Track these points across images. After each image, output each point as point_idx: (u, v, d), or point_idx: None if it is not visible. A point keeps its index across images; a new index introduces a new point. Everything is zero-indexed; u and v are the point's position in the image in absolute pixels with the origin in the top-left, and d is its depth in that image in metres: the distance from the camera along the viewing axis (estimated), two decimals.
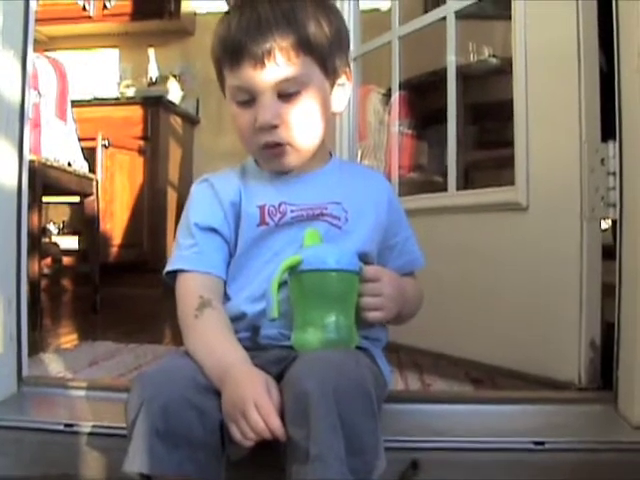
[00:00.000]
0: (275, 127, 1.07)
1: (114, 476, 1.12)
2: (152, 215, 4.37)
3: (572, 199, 1.53)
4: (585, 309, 1.52)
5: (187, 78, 4.86)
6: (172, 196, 4.54)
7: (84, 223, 3.48)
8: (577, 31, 1.53)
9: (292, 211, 1.11)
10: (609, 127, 1.41)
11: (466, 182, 2.14)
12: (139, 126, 4.36)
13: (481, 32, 2.95)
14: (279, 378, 0.95)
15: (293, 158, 1.11)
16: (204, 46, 4.84)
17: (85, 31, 4.89)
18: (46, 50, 3.89)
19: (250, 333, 1.09)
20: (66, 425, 1.24)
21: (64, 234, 4.40)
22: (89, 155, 3.37)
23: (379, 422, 0.89)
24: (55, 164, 2.84)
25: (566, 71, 1.56)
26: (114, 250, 4.16)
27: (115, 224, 4.17)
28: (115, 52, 5.05)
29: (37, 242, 2.72)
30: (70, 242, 4.19)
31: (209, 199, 1.14)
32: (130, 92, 4.73)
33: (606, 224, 1.62)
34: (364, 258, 1.10)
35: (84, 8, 4.71)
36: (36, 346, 2.01)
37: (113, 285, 3.65)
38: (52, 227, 4.38)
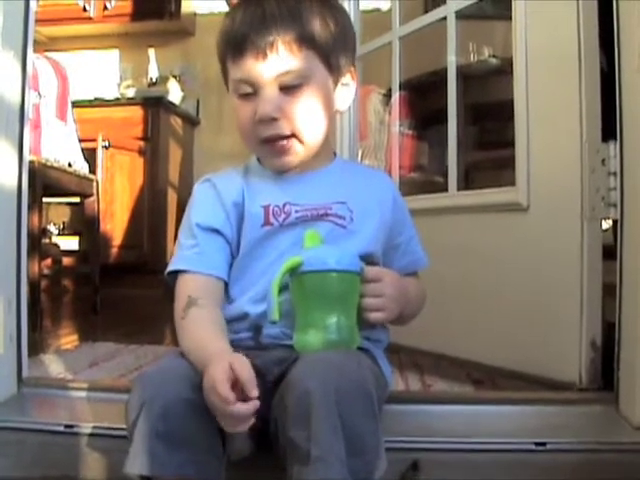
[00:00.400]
0: (275, 120, 1.07)
1: (114, 477, 1.12)
2: (152, 216, 4.37)
3: (573, 199, 1.53)
4: (586, 309, 1.51)
5: (187, 79, 4.86)
6: (172, 197, 4.53)
7: (84, 224, 3.48)
8: (578, 31, 1.53)
9: (297, 211, 1.10)
10: (610, 127, 1.41)
11: (467, 182, 2.14)
12: (139, 127, 4.37)
13: (481, 32, 2.95)
14: (280, 379, 0.95)
15: (295, 156, 1.11)
16: (204, 46, 4.83)
17: (85, 32, 4.89)
18: (46, 51, 3.88)
19: (252, 333, 1.09)
20: (66, 426, 1.24)
21: (64, 235, 4.41)
22: (89, 156, 3.37)
23: (380, 423, 0.89)
24: (55, 165, 2.84)
25: (567, 71, 1.56)
26: (114, 251, 4.17)
27: (115, 225, 4.18)
28: (115, 53, 5.05)
29: (37, 243, 2.71)
30: (70, 243, 4.20)
31: (211, 199, 1.14)
32: (130, 93, 4.73)
33: (607, 224, 1.62)
34: (369, 258, 1.10)
35: (84, 9, 4.72)
36: (36, 347, 2.01)
37: (113, 286, 3.65)
38: (52, 228, 4.38)
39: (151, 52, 4.85)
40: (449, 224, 2.01)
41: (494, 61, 2.65)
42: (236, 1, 1.14)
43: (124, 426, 0.92)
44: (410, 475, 1.08)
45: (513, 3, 1.76)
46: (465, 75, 2.19)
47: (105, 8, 4.71)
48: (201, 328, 1.03)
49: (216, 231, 1.11)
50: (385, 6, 3.22)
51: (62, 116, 3.05)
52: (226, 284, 1.12)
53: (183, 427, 0.88)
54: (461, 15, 2.04)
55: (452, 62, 2.06)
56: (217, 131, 4.75)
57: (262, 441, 0.98)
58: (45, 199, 3.01)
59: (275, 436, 0.92)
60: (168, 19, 4.68)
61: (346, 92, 1.18)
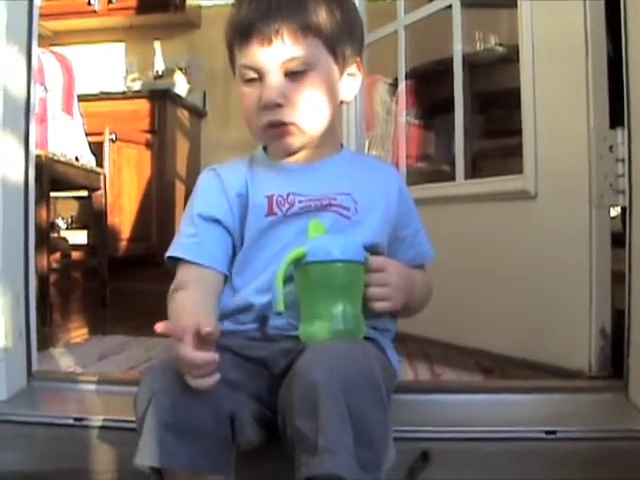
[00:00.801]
0: (279, 106, 1.07)
1: (124, 470, 1.13)
2: (160, 208, 4.37)
3: (581, 186, 1.52)
4: (595, 297, 1.51)
5: (193, 71, 4.86)
6: (180, 189, 4.54)
7: (92, 217, 3.48)
8: (584, 18, 1.52)
9: (300, 201, 1.10)
10: (617, 114, 1.40)
11: (474, 171, 2.13)
12: (146, 120, 4.37)
13: (487, 20, 2.92)
14: (287, 370, 0.95)
15: (297, 139, 1.11)
16: (210, 39, 4.82)
17: (91, 25, 4.90)
18: (52, 45, 3.89)
19: (258, 324, 1.09)
20: (76, 419, 1.25)
21: (72, 229, 4.43)
22: (96, 149, 3.37)
23: (388, 412, 0.88)
24: (62, 159, 2.84)
25: (573, 58, 1.55)
26: (123, 244, 4.18)
27: (123, 218, 4.19)
28: (121, 46, 5.05)
29: (46, 237, 2.72)
30: (79, 237, 4.20)
31: (214, 189, 1.14)
32: (136, 86, 4.73)
33: (615, 211, 1.61)
34: (374, 249, 1.10)
35: (89, 2, 4.72)
36: (46, 341, 2.02)
37: (122, 279, 3.65)
38: (60, 222, 4.40)
39: (157, 45, 4.85)
40: (457, 213, 2.01)
41: (500, 49, 2.63)
42: None
43: (134, 419, 0.93)
44: (419, 466, 1.08)
45: None
46: (471, 63, 2.18)
47: (110, 1, 4.71)
48: (181, 306, 1.04)
49: (217, 221, 1.12)
50: None
51: (68, 110, 3.05)
52: (227, 277, 1.12)
53: (192, 418, 0.88)
54: (466, 3, 2.03)
55: (458, 50, 2.06)
56: (224, 123, 4.75)
57: (272, 432, 0.98)
58: (53, 193, 3.02)
59: (283, 427, 0.92)
60: (173, 11, 4.68)
61: (352, 82, 1.17)
